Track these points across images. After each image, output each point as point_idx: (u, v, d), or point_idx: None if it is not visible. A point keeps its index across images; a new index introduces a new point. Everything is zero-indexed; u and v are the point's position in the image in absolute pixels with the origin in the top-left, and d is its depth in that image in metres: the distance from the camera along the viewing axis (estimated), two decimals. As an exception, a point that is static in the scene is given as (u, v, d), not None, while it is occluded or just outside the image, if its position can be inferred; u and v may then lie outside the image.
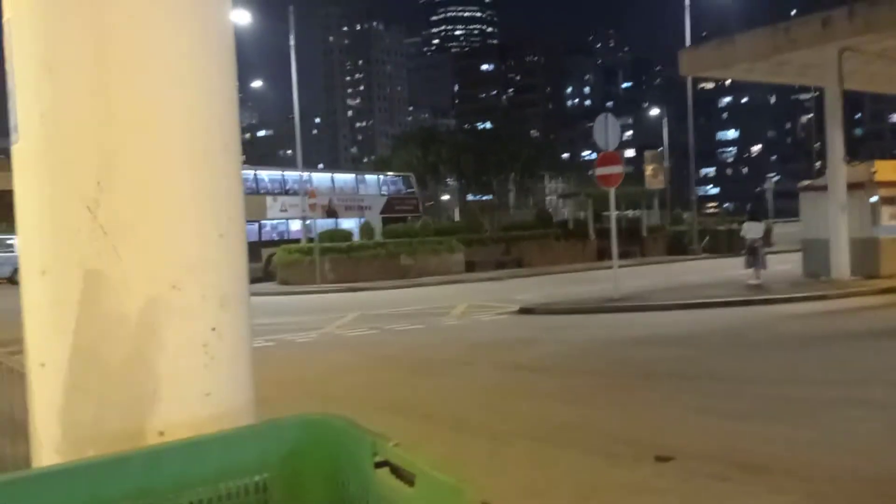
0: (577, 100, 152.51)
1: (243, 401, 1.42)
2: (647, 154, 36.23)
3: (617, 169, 16.26)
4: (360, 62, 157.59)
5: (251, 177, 29.94)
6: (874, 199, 17.48)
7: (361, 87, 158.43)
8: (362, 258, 24.01)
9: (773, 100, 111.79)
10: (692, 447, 5.71)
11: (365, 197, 33.83)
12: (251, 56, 79.63)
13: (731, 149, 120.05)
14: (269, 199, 30.09)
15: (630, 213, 34.74)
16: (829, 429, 6.17)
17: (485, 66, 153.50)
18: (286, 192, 30.83)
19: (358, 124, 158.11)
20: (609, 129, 16.10)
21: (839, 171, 17.31)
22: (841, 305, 14.14)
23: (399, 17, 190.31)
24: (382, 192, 35.36)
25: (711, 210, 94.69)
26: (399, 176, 38.01)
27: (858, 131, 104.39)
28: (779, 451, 5.54)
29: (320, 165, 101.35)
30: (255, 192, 29.20)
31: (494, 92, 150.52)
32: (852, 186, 17.29)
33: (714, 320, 12.97)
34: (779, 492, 4.74)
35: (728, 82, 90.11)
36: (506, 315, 15.30)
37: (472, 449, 6.03)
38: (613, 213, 16.90)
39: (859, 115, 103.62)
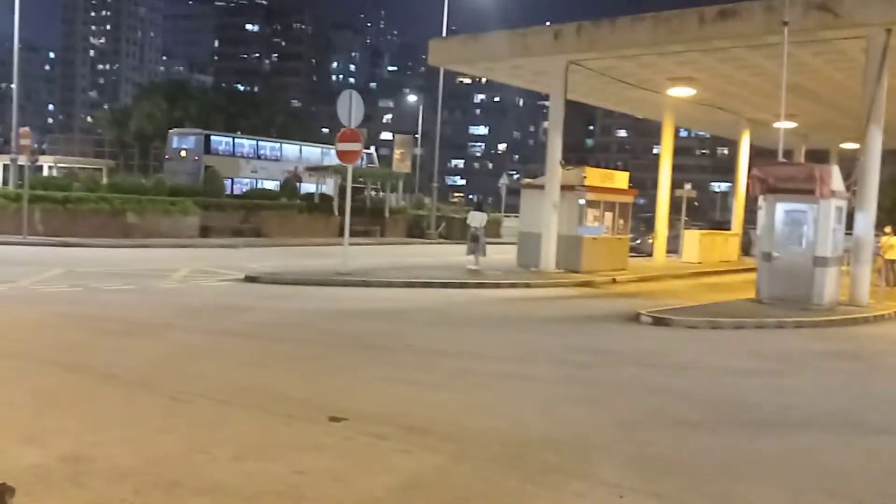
0: (342, 76, 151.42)
1: None
2: (398, 138, 37.36)
3: (357, 146, 16.57)
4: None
5: (230, 141, 39.44)
6: (582, 201, 19.57)
7: (108, 27, 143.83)
8: (81, 211, 21.91)
9: (521, 102, 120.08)
10: (367, 410, 6.05)
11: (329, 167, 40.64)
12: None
13: (480, 144, 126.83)
14: (242, 161, 37.99)
15: (375, 193, 35.53)
16: (491, 397, 6.88)
17: (249, 26, 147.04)
18: (258, 157, 39.32)
19: (101, 67, 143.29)
20: (353, 106, 16.29)
21: (556, 172, 19.14)
22: (542, 294, 15.71)
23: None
24: None
25: (456, 199, 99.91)
26: (366, 152, 44.69)
27: (590, 142, 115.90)
28: (442, 416, 6.06)
29: (50, 106, 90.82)
30: (231, 155, 37.78)
31: (258, 54, 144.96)
32: (565, 188, 19.22)
33: (428, 299, 13.76)
34: (430, 451, 5.19)
35: (484, 80, 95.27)
36: (229, 282, 14.94)
37: (147, 408, 5.85)
38: (349, 188, 17.14)
39: (592, 127, 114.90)
